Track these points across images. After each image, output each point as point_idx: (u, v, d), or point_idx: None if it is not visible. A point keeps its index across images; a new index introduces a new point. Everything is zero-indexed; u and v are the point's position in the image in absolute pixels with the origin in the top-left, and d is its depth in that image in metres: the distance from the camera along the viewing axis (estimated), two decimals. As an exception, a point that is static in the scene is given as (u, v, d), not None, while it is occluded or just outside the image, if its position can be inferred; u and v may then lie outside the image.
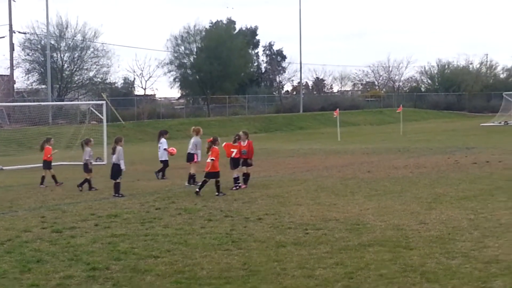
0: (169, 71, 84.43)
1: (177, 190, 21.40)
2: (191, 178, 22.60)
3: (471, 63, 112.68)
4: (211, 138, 20.58)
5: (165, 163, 24.91)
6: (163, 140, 25.17)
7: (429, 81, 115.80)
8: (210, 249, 12.38)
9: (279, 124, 70.17)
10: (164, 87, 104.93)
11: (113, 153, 20.91)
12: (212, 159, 19.91)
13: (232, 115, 77.94)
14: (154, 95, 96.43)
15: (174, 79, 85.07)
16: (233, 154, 21.67)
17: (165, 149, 24.84)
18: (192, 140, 23.27)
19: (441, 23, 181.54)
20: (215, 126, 63.99)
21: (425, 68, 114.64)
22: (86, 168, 22.18)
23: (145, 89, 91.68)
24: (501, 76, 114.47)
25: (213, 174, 20.00)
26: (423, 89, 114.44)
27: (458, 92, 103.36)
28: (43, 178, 23.54)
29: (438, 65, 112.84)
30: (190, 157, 23.06)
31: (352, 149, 36.68)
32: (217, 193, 19.76)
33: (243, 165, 21.67)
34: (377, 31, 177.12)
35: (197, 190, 19.97)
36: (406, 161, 28.97)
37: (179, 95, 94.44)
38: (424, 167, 25.85)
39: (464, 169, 24.82)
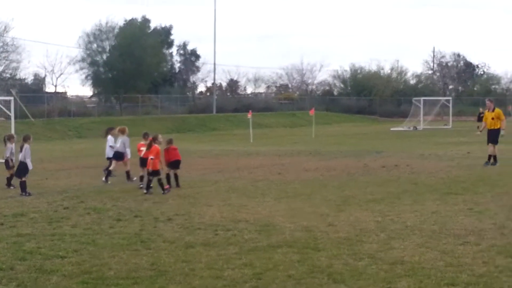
0: (81, 69, 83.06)
1: (87, 189, 21.08)
2: (127, 175, 23.15)
3: (382, 69, 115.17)
4: (151, 137, 20.77)
5: (111, 160, 24.26)
6: (109, 137, 24.75)
7: (342, 85, 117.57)
8: (118, 249, 12.24)
9: (191, 125, 70.02)
10: (76, 85, 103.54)
11: (21, 151, 20.48)
12: (152, 158, 19.86)
13: (145, 115, 77.35)
14: (65, 92, 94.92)
15: (86, 77, 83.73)
16: (142, 154, 21.58)
17: (110, 146, 24.37)
18: (120, 139, 23.47)
19: (353, 28, 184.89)
20: (127, 125, 63.04)
21: (338, 72, 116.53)
22: (7, 165, 21.63)
23: (56, 86, 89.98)
24: (411, 82, 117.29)
25: (155, 173, 19.96)
26: (335, 93, 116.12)
27: (369, 96, 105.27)
28: None
29: (351, 69, 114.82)
30: (120, 156, 23.30)
31: (264, 151, 36.86)
32: (162, 191, 19.71)
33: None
34: (291, 34, 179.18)
35: (145, 191, 19.87)
36: (317, 163, 29.29)
37: (91, 93, 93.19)
38: (334, 170, 26.19)
39: (373, 172, 25.26)
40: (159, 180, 20.01)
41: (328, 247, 12.34)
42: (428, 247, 12.24)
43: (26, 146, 20.32)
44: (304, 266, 10.92)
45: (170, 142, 21.81)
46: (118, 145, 23.39)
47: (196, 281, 10.10)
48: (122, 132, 23.86)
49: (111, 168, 23.22)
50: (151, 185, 20.02)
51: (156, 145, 20.34)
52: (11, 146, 21.94)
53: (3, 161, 20.38)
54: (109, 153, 24.51)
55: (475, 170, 25.39)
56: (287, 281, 10.07)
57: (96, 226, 14.59)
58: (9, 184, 21.53)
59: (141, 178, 21.64)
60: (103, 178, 22.75)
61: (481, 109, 51.97)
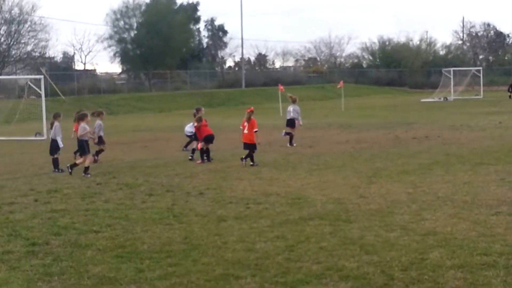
0: (109, 46, 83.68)
1: (119, 165, 21.26)
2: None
3: (411, 40, 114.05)
4: (251, 108, 21.44)
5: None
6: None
7: (371, 57, 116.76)
8: (151, 224, 12.35)
9: (221, 100, 70.05)
10: (105, 62, 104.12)
11: (51, 128, 20.67)
12: (256, 131, 20.55)
13: (174, 90, 77.52)
14: (95, 70, 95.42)
15: (115, 54, 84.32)
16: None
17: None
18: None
19: (381, 0, 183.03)
20: (157, 101, 63.64)
21: (366, 44, 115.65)
22: (101, 140, 22.29)
23: (85, 64, 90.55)
24: (441, 53, 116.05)
25: (252, 146, 20.46)
26: (364, 65, 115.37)
27: (399, 68, 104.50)
28: None
29: (379, 42, 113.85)
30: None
31: (294, 125, 36.69)
32: (251, 163, 20.11)
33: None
34: (318, 7, 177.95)
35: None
36: (347, 136, 29.25)
37: (120, 70, 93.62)
38: (365, 142, 26.14)
39: (404, 144, 25.16)
40: (251, 154, 20.31)
41: (360, 219, 12.35)
42: (460, 218, 12.21)
43: (56, 124, 20.47)
44: (336, 238, 10.94)
45: (200, 119, 21.86)
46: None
47: (228, 254, 10.17)
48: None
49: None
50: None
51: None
52: (100, 122, 22.33)
53: (55, 139, 20.30)
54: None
55: (507, 140, 25.20)
56: (319, 253, 10.10)
57: (129, 201, 14.73)
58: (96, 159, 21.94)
59: (193, 151, 22.14)
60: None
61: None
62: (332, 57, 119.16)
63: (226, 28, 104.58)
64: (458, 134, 28.26)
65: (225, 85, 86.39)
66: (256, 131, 20.55)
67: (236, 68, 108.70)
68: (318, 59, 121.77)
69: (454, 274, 8.95)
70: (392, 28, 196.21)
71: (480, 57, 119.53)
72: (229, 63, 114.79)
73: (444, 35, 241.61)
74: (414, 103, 60.04)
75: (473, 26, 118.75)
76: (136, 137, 30.46)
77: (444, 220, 12.10)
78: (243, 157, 20.30)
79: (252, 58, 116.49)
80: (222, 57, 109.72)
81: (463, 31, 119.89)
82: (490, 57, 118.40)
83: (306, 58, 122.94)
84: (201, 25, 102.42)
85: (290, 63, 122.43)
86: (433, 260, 9.59)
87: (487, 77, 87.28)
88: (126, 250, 10.56)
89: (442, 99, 66.69)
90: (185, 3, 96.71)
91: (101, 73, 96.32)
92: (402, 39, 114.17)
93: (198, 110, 22.82)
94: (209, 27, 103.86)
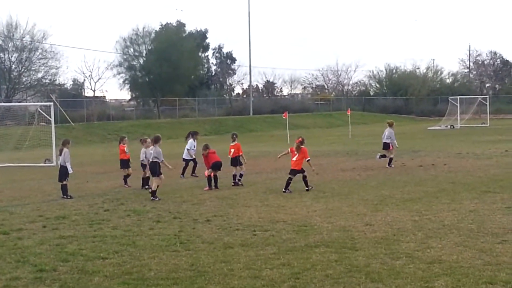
0: (119, 73, 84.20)
1: (126, 192, 21.37)
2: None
3: (418, 68, 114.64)
4: (300, 138, 21.65)
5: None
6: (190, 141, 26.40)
7: (377, 85, 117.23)
8: (158, 250, 12.43)
9: (229, 127, 70.20)
10: (114, 89, 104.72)
11: (60, 154, 20.82)
12: (308, 160, 21.10)
13: (183, 117, 77.79)
14: (104, 96, 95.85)
15: (124, 81, 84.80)
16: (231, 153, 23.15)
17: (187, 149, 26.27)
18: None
19: (388, 28, 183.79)
20: (166, 128, 63.85)
21: (373, 72, 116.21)
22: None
23: (94, 91, 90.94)
24: (447, 81, 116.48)
25: (298, 171, 20.92)
26: (371, 93, 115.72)
27: (405, 96, 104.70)
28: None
29: (386, 70, 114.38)
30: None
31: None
32: (306, 188, 20.61)
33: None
34: (326, 35, 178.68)
35: (284, 190, 20.61)
36: (354, 163, 29.31)
37: (129, 97, 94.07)
38: (372, 170, 26.20)
39: (410, 171, 25.21)
40: (304, 178, 20.80)
41: (366, 246, 12.40)
42: (466, 246, 12.24)
43: (65, 150, 20.62)
44: (342, 266, 10.99)
45: (207, 147, 22.04)
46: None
47: (235, 281, 10.23)
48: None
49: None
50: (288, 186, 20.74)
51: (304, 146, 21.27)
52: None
53: (65, 165, 20.45)
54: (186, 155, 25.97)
55: (513, 169, 25.20)
56: (325, 281, 10.16)
57: (136, 228, 14.83)
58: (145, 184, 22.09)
59: (234, 176, 22.72)
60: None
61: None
62: (340, 84, 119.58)
63: (234, 55, 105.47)
64: (465, 162, 28.29)
65: (233, 113, 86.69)
66: (308, 160, 21.09)
67: (244, 96, 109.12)
68: (326, 86, 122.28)
69: (459, 302, 8.99)
70: (399, 56, 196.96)
71: (487, 85, 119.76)
72: (237, 90, 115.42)
73: (450, 63, 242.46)
74: (421, 131, 60.09)
75: (479, 55, 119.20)
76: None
77: (450, 248, 12.14)
78: (285, 188, 20.62)
79: (260, 86, 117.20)
80: (231, 84, 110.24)
81: (469, 59, 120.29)
82: (497, 85, 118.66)
83: (314, 86, 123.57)
84: (210, 53, 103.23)
85: (298, 90, 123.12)
86: (438, 288, 9.65)
87: (494, 105, 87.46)
88: (133, 276, 10.63)
89: (448, 127, 66.78)
90: (194, 30, 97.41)
91: (110, 100, 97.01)
92: (409, 67, 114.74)
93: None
94: (218, 54, 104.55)
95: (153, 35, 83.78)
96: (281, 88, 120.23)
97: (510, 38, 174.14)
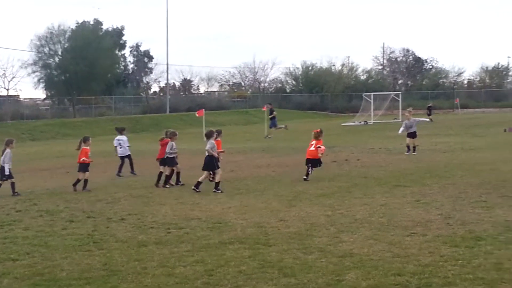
0: (33, 72, 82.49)
1: (40, 192, 21.02)
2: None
3: (333, 65, 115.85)
4: (319, 129, 22.97)
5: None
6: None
7: (294, 82, 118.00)
8: (71, 251, 12.31)
9: (145, 125, 69.70)
10: (29, 88, 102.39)
11: (1, 154, 20.52)
12: (319, 146, 22.09)
13: (99, 116, 76.87)
14: (18, 96, 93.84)
15: (39, 80, 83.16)
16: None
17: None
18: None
19: (304, 26, 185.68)
20: (81, 127, 62.90)
21: (289, 69, 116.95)
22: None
23: (8, 89, 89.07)
24: (362, 77, 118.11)
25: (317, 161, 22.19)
26: (288, 90, 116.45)
27: (321, 93, 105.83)
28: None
29: (302, 67, 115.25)
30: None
31: (217, 149, 36.82)
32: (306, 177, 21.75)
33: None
34: (243, 32, 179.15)
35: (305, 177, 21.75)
36: (269, 160, 29.54)
37: (44, 96, 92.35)
38: (287, 166, 26.47)
39: (324, 167, 25.47)
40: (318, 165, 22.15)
41: (279, 242, 12.56)
42: (376, 239, 12.55)
43: (7, 150, 20.55)
44: (255, 262, 11.11)
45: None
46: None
47: (148, 280, 10.23)
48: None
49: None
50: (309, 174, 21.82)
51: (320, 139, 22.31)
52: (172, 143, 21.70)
53: (3, 165, 20.20)
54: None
55: (423, 163, 25.87)
56: (238, 277, 10.25)
57: (49, 228, 14.62)
58: (166, 182, 21.65)
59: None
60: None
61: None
62: (256, 82, 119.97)
63: (151, 53, 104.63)
64: (377, 157, 28.87)
65: (150, 111, 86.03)
66: (319, 147, 21.99)
67: (161, 94, 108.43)
68: (243, 84, 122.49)
69: (368, 294, 9.20)
70: (315, 53, 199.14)
71: (400, 81, 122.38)
72: (154, 88, 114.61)
73: (365, 60, 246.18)
74: (335, 127, 60.76)
75: (392, 52, 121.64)
76: (59, 163, 30.08)
77: (361, 242, 12.42)
78: (306, 177, 21.77)
79: (177, 83, 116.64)
80: (147, 83, 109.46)
81: (383, 56, 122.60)
82: (409, 82, 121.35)
83: (231, 83, 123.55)
84: (127, 51, 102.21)
85: (215, 88, 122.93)
86: (349, 281, 9.85)
87: (406, 101, 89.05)
88: (44, 277, 10.50)
89: (362, 122, 67.82)
90: (110, 28, 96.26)
91: (24, 99, 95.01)
92: (325, 64, 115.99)
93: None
94: (135, 52, 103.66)
95: (69, 33, 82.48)
96: (198, 86, 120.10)
97: (422, 36, 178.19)
